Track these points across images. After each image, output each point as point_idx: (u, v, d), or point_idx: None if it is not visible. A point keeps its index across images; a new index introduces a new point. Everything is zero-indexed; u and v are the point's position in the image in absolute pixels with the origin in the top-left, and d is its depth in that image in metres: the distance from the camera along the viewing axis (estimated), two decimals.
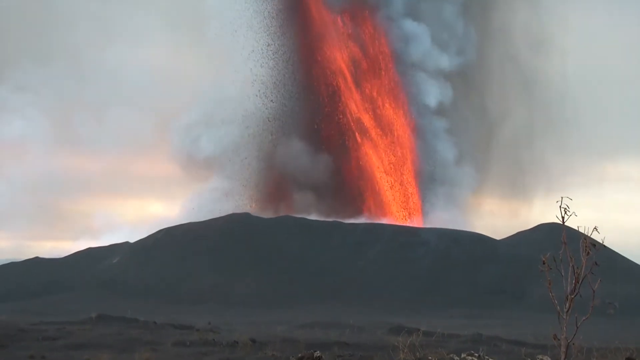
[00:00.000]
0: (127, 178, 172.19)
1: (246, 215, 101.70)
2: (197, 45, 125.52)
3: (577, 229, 6.34)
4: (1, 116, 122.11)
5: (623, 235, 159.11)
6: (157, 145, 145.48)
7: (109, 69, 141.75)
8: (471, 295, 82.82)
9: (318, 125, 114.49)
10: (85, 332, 44.34)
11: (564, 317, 6.08)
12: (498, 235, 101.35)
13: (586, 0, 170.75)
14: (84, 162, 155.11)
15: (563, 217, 6.21)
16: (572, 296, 5.98)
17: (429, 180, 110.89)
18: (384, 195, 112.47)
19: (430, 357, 13.74)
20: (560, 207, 6.16)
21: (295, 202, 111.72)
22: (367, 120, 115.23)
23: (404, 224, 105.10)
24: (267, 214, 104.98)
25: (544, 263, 6.06)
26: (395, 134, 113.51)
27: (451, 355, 13.95)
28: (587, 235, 6.11)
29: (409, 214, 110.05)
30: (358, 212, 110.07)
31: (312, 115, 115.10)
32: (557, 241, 6.26)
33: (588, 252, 5.94)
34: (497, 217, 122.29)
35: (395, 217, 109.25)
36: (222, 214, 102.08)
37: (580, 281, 5.91)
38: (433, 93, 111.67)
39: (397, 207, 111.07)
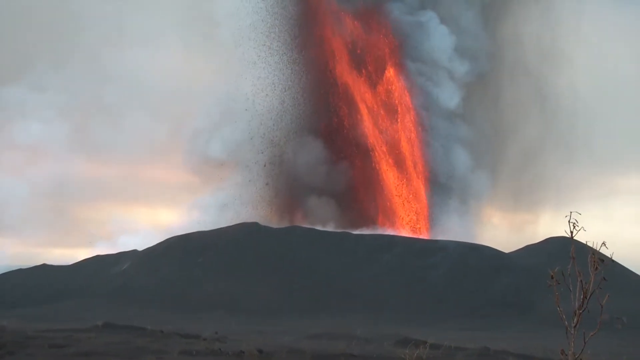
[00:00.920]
0: (138, 185, 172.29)
1: (255, 225, 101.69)
2: (211, 49, 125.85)
3: (585, 243, 6.31)
4: (17, 119, 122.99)
5: (633, 249, 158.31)
6: (170, 152, 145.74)
7: (125, 72, 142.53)
8: (479, 308, 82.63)
9: (331, 137, 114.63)
10: (92, 340, 44.37)
11: (572, 331, 6.05)
12: (507, 248, 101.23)
13: (599, 13, 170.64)
14: (96, 168, 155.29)
15: (572, 232, 6.16)
16: (580, 311, 5.95)
17: (440, 189, 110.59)
18: (394, 206, 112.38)
19: None
20: (569, 221, 6.12)
21: (304, 212, 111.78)
22: (378, 133, 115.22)
23: (413, 236, 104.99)
24: (277, 224, 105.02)
25: (552, 277, 6.03)
26: (406, 144, 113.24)
27: None
28: (595, 250, 6.08)
29: (419, 225, 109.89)
30: (367, 223, 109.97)
31: (326, 125, 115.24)
32: (566, 255, 6.22)
33: (596, 267, 5.91)
34: (506, 229, 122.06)
35: (404, 228, 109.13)
36: (232, 223, 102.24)
37: (589, 296, 5.87)
38: (451, 95, 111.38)
39: (407, 218, 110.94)
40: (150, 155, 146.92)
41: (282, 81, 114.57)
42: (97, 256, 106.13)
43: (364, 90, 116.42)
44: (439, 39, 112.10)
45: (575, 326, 6.03)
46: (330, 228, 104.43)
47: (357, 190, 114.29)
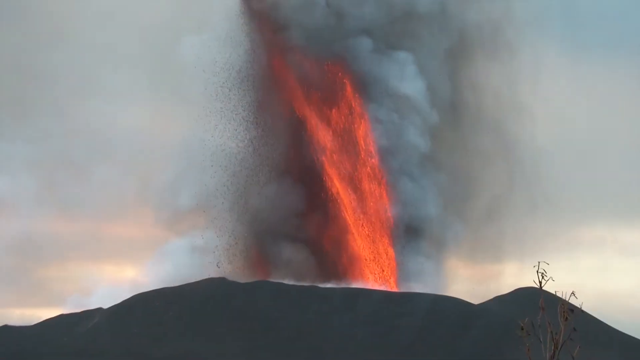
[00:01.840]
0: (104, 241, 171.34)
1: (222, 280, 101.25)
2: (178, 102, 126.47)
3: (554, 293, 6.32)
4: None
5: (600, 299, 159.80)
6: (136, 207, 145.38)
7: (92, 125, 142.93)
8: None
9: (301, 182, 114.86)
10: None
11: None
12: (476, 299, 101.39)
13: (556, 67, 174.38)
14: (61, 224, 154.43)
15: (540, 282, 6.18)
16: None
17: (409, 237, 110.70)
18: (362, 259, 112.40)
19: None
20: (537, 271, 6.14)
21: (272, 265, 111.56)
22: (344, 186, 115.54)
23: (381, 289, 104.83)
24: (244, 278, 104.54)
25: (522, 328, 6.01)
26: (371, 191, 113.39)
27: None
28: (564, 300, 6.09)
29: (387, 277, 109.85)
30: (335, 276, 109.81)
31: (294, 171, 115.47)
32: (535, 306, 6.23)
33: (566, 318, 5.91)
34: (473, 280, 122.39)
35: (372, 280, 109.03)
36: (198, 278, 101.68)
37: (560, 347, 5.86)
38: (422, 137, 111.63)
39: (374, 270, 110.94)
40: (117, 211, 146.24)
41: (249, 129, 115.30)
42: (61, 315, 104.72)
43: (327, 134, 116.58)
44: (412, 79, 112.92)
45: None
46: (298, 282, 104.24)
47: (324, 242, 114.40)
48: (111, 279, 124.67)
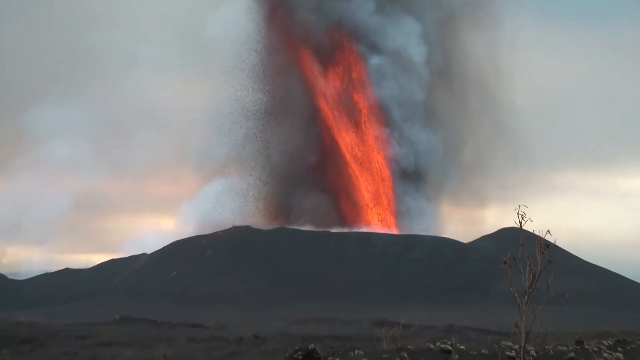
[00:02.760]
0: (146, 197, 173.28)
1: (247, 228, 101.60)
2: (206, 72, 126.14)
3: (533, 232, 6.39)
4: (46, 139, 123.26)
5: (572, 236, 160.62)
6: (173, 166, 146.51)
7: (134, 96, 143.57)
8: (444, 293, 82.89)
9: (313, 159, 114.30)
10: (110, 332, 44.15)
11: (524, 308, 6.12)
12: (465, 239, 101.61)
13: (532, 36, 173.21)
14: (110, 183, 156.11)
15: (520, 223, 6.25)
16: (530, 290, 6.03)
17: (409, 181, 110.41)
18: (367, 205, 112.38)
19: (409, 346, 13.73)
20: (517, 213, 6.21)
21: (289, 214, 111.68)
22: (349, 141, 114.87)
23: (385, 232, 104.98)
24: (266, 226, 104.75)
25: (505, 262, 6.10)
26: (374, 154, 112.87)
27: (427, 344, 13.94)
28: (541, 237, 6.16)
29: (389, 221, 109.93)
30: (343, 222, 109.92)
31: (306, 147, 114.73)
32: (516, 243, 6.30)
33: (542, 252, 5.99)
34: (462, 222, 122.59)
35: (376, 225, 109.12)
36: (227, 226, 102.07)
37: (537, 277, 5.96)
38: (418, 89, 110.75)
39: (378, 217, 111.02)
40: (157, 170, 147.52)
41: (267, 90, 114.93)
42: (112, 260, 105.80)
43: (333, 88, 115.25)
44: (406, 30, 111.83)
45: (526, 303, 6.11)
46: (311, 228, 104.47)
47: (334, 194, 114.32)
48: (153, 229, 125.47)
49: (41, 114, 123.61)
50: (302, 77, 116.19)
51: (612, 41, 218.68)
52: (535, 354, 12.85)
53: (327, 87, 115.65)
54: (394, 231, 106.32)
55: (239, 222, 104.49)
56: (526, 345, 6.26)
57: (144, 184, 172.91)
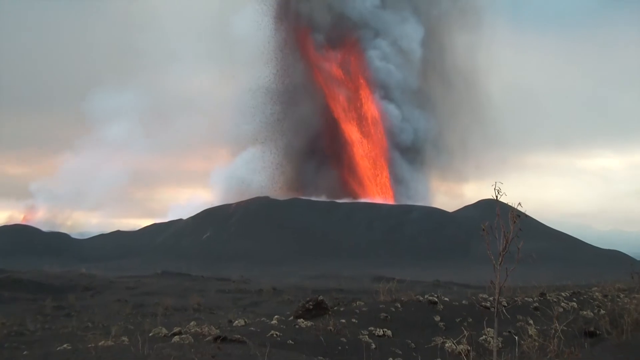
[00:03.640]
0: (183, 172, 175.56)
1: (266, 198, 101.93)
2: (235, 64, 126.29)
3: (507, 203, 6.44)
4: (102, 122, 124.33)
5: (540, 206, 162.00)
6: (206, 146, 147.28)
7: (174, 86, 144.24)
8: (432, 253, 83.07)
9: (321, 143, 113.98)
10: (153, 283, 44.54)
11: (498, 267, 6.20)
12: (450, 209, 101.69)
13: (507, 38, 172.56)
14: (153, 159, 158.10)
15: (497, 196, 6.31)
16: (503, 252, 6.10)
17: (405, 157, 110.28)
18: (367, 182, 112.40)
19: (402, 298, 13.85)
20: (494, 188, 6.26)
21: (303, 186, 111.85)
22: (354, 127, 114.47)
23: (381, 202, 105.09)
24: (282, 197, 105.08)
25: (483, 229, 6.17)
26: (374, 130, 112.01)
27: (417, 296, 14.07)
28: (514, 208, 6.22)
29: (384, 194, 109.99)
30: (348, 194, 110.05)
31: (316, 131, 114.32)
32: (493, 212, 6.37)
33: (514, 221, 6.05)
34: (447, 195, 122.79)
35: (374, 196, 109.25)
36: (250, 197, 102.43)
37: (509, 242, 6.02)
38: (412, 76, 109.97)
39: (378, 190, 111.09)
40: (192, 149, 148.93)
41: (283, 75, 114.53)
42: (154, 224, 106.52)
43: (338, 74, 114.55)
44: (409, 28, 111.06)
45: (500, 263, 6.18)
46: (321, 198, 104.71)
47: (341, 169, 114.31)
48: (188, 199, 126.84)
49: (99, 100, 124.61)
50: (310, 64, 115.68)
51: (571, 44, 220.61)
52: (506, 304, 12.95)
53: (334, 70, 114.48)
54: (391, 201, 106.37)
55: (260, 193, 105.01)
56: (499, 297, 6.35)
57: (182, 161, 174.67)
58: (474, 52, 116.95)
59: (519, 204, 6.08)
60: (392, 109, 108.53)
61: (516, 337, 8.22)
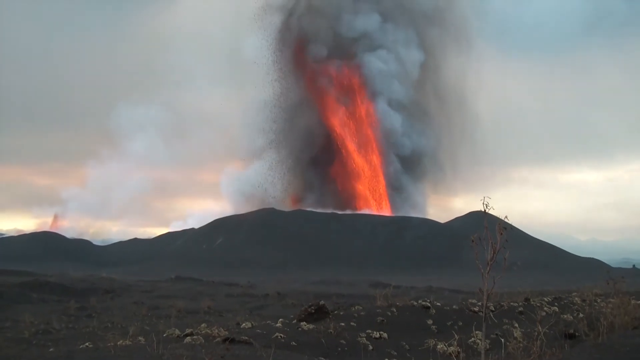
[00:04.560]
0: (196, 184, 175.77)
1: (271, 209, 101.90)
2: (244, 85, 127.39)
3: (495, 215, 6.46)
4: (121, 136, 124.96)
5: (524, 218, 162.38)
6: (217, 160, 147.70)
7: (191, 103, 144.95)
8: (426, 261, 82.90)
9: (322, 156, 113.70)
10: (168, 287, 44.46)
11: (486, 275, 6.21)
12: (442, 220, 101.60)
13: (495, 63, 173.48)
14: (171, 172, 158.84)
15: (485, 209, 6.32)
16: (491, 262, 6.11)
17: (402, 173, 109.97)
18: (366, 195, 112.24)
19: (398, 303, 13.82)
20: (483, 203, 6.29)
21: (305, 199, 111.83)
22: (351, 142, 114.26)
23: (379, 214, 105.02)
24: (287, 208, 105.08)
25: (472, 240, 6.19)
26: (372, 156, 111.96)
27: (412, 301, 14.03)
28: (501, 220, 6.23)
29: (381, 206, 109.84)
30: (348, 206, 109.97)
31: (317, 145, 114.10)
32: (482, 223, 6.38)
33: (501, 233, 6.07)
34: (439, 207, 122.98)
35: (372, 208, 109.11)
36: (256, 208, 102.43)
37: (496, 252, 6.03)
38: (406, 91, 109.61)
39: (374, 202, 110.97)
40: (205, 162, 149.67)
41: (287, 93, 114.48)
42: (168, 232, 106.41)
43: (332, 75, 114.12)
44: (413, 51, 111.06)
45: (487, 272, 6.19)
46: (323, 210, 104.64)
47: (341, 183, 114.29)
48: (200, 209, 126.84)
49: (123, 115, 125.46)
50: (310, 81, 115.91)
51: (553, 67, 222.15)
52: (493, 309, 12.91)
53: (333, 84, 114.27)
54: (388, 212, 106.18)
55: (266, 205, 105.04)
56: (487, 303, 6.35)
57: (196, 173, 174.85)
58: (464, 75, 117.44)
59: (506, 217, 6.10)
60: (392, 120, 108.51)
61: (502, 340, 8.21)
